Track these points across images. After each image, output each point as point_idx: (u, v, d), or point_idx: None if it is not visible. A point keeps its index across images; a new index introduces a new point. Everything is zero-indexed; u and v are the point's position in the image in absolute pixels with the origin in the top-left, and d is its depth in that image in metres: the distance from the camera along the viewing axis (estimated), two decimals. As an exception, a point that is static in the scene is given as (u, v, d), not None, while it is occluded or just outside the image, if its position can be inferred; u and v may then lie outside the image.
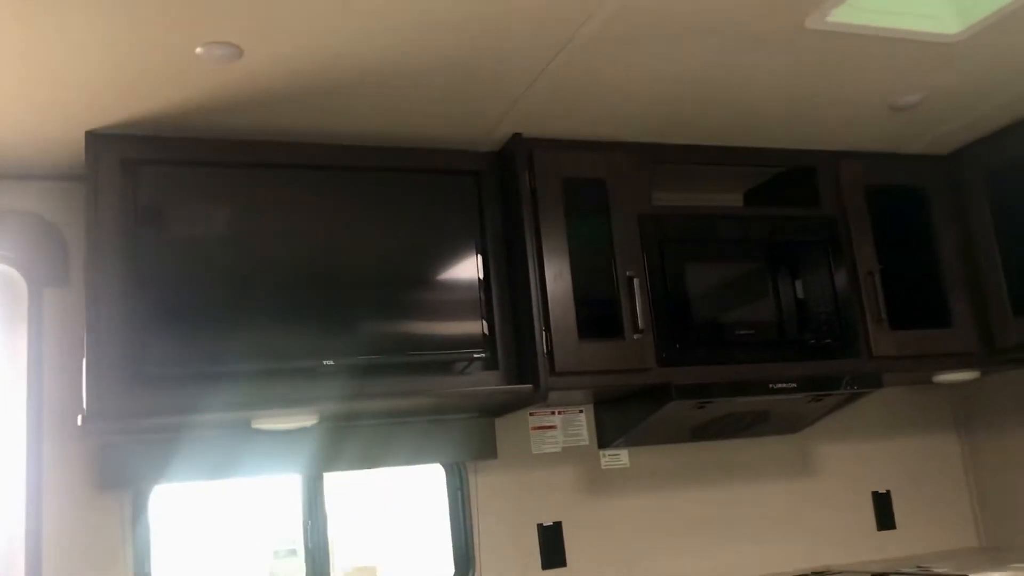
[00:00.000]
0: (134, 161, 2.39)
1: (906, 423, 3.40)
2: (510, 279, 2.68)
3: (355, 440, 2.72)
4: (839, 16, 2.21)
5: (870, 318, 2.92)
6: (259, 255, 2.42)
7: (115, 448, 2.48)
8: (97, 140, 2.38)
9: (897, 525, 3.29)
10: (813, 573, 3.01)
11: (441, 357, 2.53)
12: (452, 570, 2.79)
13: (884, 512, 3.29)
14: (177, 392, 2.29)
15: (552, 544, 2.88)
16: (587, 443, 3.00)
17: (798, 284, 2.88)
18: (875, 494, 3.30)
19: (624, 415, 2.92)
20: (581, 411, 3.02)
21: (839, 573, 2.95)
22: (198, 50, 2.03)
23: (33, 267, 2.57)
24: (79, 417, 2.22)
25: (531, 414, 2.95)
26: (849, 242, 2.98)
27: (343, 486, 2.82)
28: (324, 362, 2.40)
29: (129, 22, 1.89)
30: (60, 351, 2.53)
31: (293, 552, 2.72)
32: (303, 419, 2.48)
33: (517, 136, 2.68)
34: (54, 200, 2.61)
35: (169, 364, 2.28)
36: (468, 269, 2.60)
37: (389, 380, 2.48)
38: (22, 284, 2.57)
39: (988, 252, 3.00)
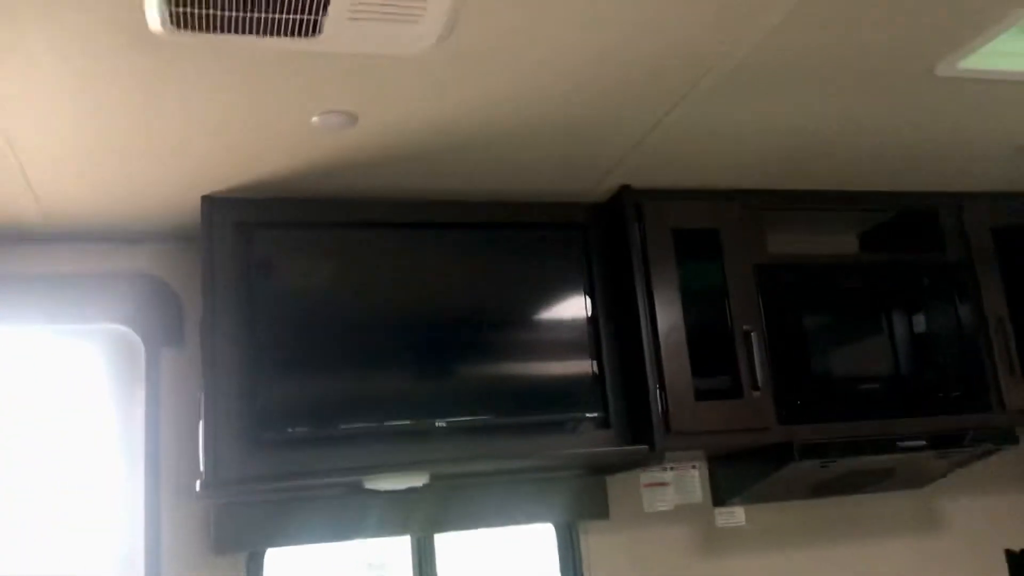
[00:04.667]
0: (248, 224, 2.41)
1: (1040, 477, 3.21)
2: (620, 332, 2.61)
3: (465, 499, 2.68)
4: (970, 63, 2.10)
5: (1001, 368, 2.76)
6: (368, 310, 2.43)
7: (230, 510, 2.49)
8: (213, 204, 2.40)
9: (1035, 587, 3.09)
10: (945, 639, 2.85)
11: (554, 418, 2.48)
12: (565, 633, 2.72)
13: (1019, 572, 3.10)
14: (293, 456, 2.29)
15: (669, 607, 2.78)
16: (701, 500, 2.90)
17: (922, 334, 2.74)
18: (1008, 553, 3.11)
19: (741, 472, 2.81)
20: (695, 467, 2.92)
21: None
22: (314, 119, 2.04)
23: (150, 328, 2.61)
24: (197, 483, 2.23)
25: (643, 471, 2.86)
26: (976, 287, 2.83)
27: (455, 547, 2.77)
28: (437, 423, 2.37)
29: (248, 94, 1.91)
30: (176, 413, 2.55)
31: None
32: (415, 479, 2.45)
33: (625, 188, 2.62)
34: (170, 262, 2.65)
35: (285, 428, 2.28)
36: (578, 325, 2.55)
37: (501, 441, 2.44)
38: (139, 345, 2.61)
39: None
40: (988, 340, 2.79)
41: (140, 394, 2.59)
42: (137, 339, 2.60)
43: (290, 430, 2.28)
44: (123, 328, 2.60)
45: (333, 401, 2.35)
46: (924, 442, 2.62)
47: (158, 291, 2.63)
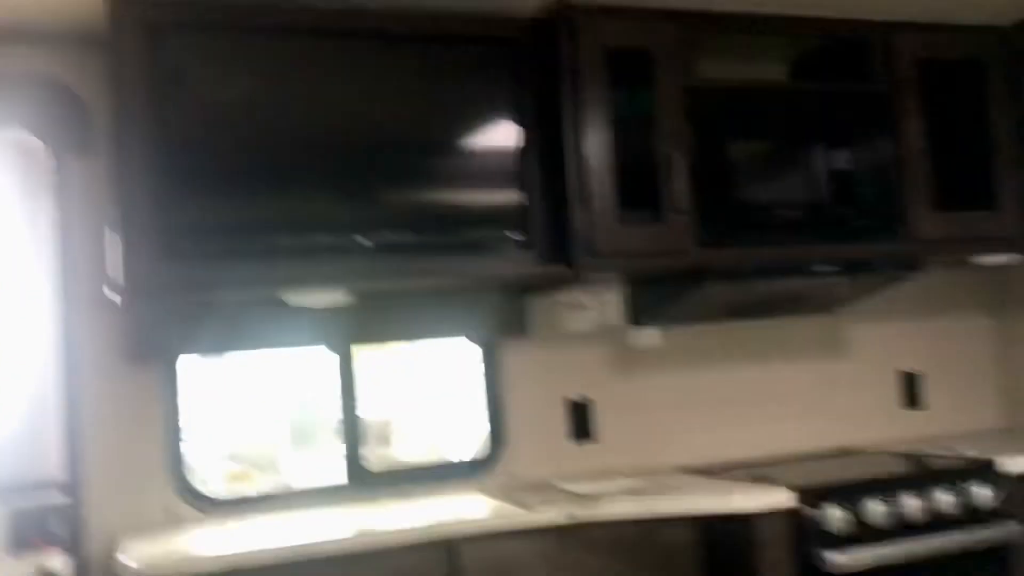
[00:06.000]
0: (159, 25, 2.26)
1: (940, 305, 3.36)
2: (546, 152, 2.58)
3: (387, 314, 2.70)
4: None
5: (913, 199, 2.83)
6: (288, 124, 2.35)
7: (145, 319, 2.46)
8: (120, 1, 2.24)
9: (925, 405, 3.30)
10: (839, 451, 3.04)
11: (476, 237, 2.47)
12: (483, 444, 2.82)
13: (912, 392, 3.30)
14: (209, 268, 2.25)
15: (581, 419, 2.90)
16: (618, 322, 2.97)
17: (842, 163, 2.78)
18: (904, 374, 3.30)
19: (658, 295, 2.88)
20: (614, 289, 2.98)
21: (863, 452, 2.98)
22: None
23: (54, 134, 2.48)
24: (109, 290, 2.20)
25: (563, 292, 2.91)
26: (899, 119, 2.85)
27: (374, 360, 2.81)
28: (358, 240, 2.35)
29: None
30: (87, 223, 2.47)
31: (319, 428, 2.74)
32: (335, 296, 2.45)
33: (560, 2, 2.53)
34: (76, 66, 2.48)
35: (202, 238, 2.24)
36: (504, 140, 2.51)
37: (423, 260, 2.43)
38: (44, 153, 2.49)
39: (1044, 131, 2.88)
40: (904, 172, 2.84)
41: (47, 204, 2.49)
42: (42, 146, 2.48)
43: (205, 242, 2.24)
44: (26, 134, 2.47)
45: (250, 215, 2.30)
46: (836, 267, 2.70)
47: (62, 95, 2.48)
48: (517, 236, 2.49)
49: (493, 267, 2.50)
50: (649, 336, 2.99)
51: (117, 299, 2.23)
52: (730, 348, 3.09)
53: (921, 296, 3.31)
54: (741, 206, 2.68)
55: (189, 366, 2.58)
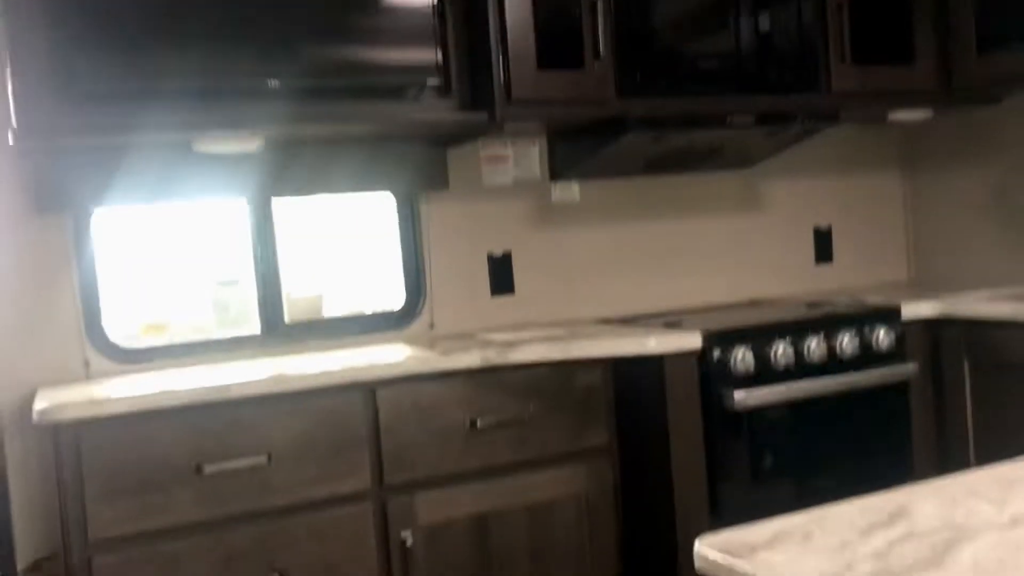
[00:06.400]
0: None
1: (854, 162, 3.42)
2: (466, 7, 2.50)
3: (303, 165, 2.65)
4: None
5: (833, 52, 2.84)
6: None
7: (52, 168, 2.37)
8: None
9: (835, 259, 3.40)
10: (751, 302, 3.13)
11: (392, 81, 2.41)
12: (403, 298, 2.83)
13: (824, 246, 3.39)
14: (112, 110, 2.16)
15: (501, 273, 2.92)
16: (539, 176, 2.97)
17: (763, 15, 2.76)
18: (816, 229, 3.38)
19: (578, 148, 2.87)
20: (535, 143, 2.96)
21: (775, 302, 3.07)
22: None
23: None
24: (9, 135, 2.10)
25: (483, 145, 2.88)
26: (820, -30, 2.83)
27: (292, 213, 2.77)
28: (268, 82, 2.27)
29: None
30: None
31: (236, 281, 2.71)
32: (246, 142, 2.39)
33: None
34: None
35: (102, 79, 2.13)
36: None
37: (337, 104, 2.37)
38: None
39: (962, -16, 2.88)
40: (824, 25, 2.83)
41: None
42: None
43: (105, 82, 2.13)
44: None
45: (153, 55, 2.19)
46: (753, 118, 2.72)
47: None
48: (435, 82, 2.43)
49: (410, 112, 2.45)
50: (568, 190, 3.00)
51: (15, 141, 2.13)
52: (648, 202, 3.11)
53: (835, 153, 3.37)
54: (662, 56, 2.66)
55: (103, 218, 2.50)
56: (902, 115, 3.10)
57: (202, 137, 2.33)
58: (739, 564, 0.83)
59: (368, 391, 2.21)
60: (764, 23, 2.75)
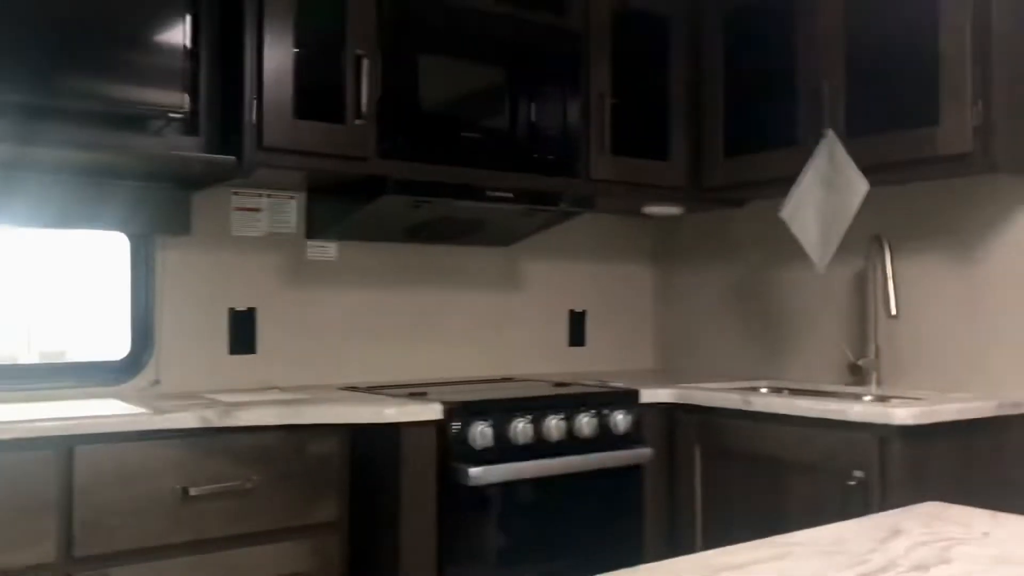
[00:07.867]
0: None
1: (611, 249, 3.53)
2: (224, 49, 2.37)
3: (28, 194, 2.38)
4: None
5: (594, 141, 2.92)
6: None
7: None
8: None
9: (588, 342, 3.46)
10: (504, 378, 3.10)
11: (134, 111, 2.22)
12: (126, 348, 2.58)
13: (577, 329, 3.44)
14: None
15: (243, 330, 2.73)
16: (294, 231, 2.83)
17: (532, 96, 2.81)
18: (571, 312, 3.44)
19: (337, 207, 2.77)
20: (292, 198, 2.83)
21: (527, 380, 3.06)
22: None
23: None
24: None
25: (235, 193, 2.72)
26: (588, 61, 2.92)
27: (7, 245, 2.47)
28: (-12, 95, 2.02)
29: None
30: None
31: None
32: (-47, 160, 2.11)
33: None
34: None
35: None
36: (174, 34, 2.26)
37: (70, 128, 2.14)
38: None
39: (713, 91, 3.06)
40: (588, 113, 2.92)
41: None
42: None
43: None
44: None
45: None
46: (512, 195, 2.73)
47: None
48: (180, 115, 2.26)
49: (150, 146, 2.26)
50: (324, 249, 2.88)
51: None
52: (408, 269, 3.05)
53: (594, 241, 3.46)
54: (429, 123, 2.63)
55: None
56: (655, 208, 3.24)
57: None
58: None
59: (64, 448, 1.96)
60: (534, 108, 2.79)
